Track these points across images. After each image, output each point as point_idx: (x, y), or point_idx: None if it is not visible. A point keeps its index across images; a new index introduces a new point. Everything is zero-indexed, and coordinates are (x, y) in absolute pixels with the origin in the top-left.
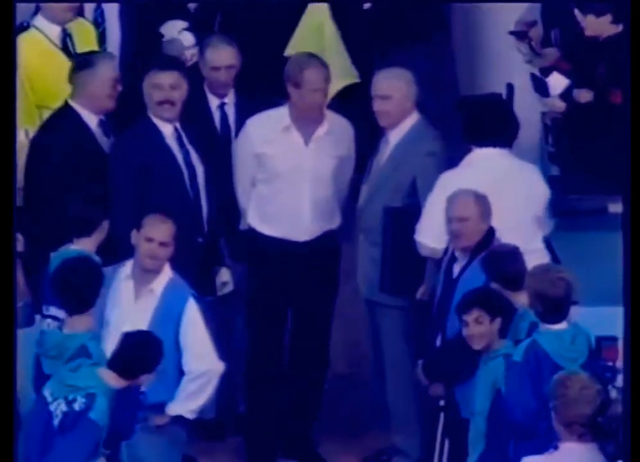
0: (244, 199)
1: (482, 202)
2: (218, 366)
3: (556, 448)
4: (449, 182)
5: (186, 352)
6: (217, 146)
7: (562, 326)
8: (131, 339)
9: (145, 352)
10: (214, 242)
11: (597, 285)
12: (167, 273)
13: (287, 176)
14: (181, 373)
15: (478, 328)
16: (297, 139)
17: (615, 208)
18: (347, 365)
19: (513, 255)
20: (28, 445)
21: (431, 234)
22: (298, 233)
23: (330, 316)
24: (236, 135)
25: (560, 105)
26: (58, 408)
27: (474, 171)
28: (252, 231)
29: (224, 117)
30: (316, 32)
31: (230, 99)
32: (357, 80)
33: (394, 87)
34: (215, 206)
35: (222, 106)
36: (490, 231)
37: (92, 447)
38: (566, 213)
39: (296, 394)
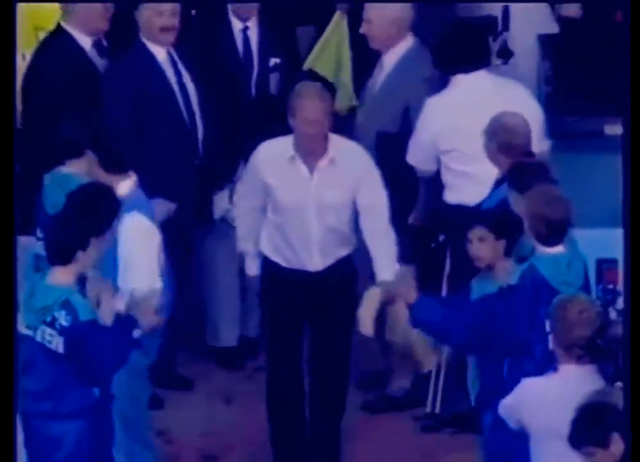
0: (248, 225)
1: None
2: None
3: (555, 370)
4: (436, 107)
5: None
6: (234, 69)
7: (559, 249)
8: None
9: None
10: (210, 165)
11: (596, 208)
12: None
13: (293, 208)
14: None
15: (482, 246)
16: (302, 170)
17: (612, 130)
18: None
19: (539, 168)
20: (39, 386)
21: (418, 158)
22: (308, 264)
23: (349, 337)
24: (259, 60)
25: (556, 26)
26: (45, 334)
27: (460, 93)
28: (265, 259)
29: (246, 41)
30: (336, 49)
31: (253, 23)
32: (356, 104)
33: (377, 11)
34: (212, 129)
35: (245, 30)
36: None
37: (111, 341)
38: (563, 135)
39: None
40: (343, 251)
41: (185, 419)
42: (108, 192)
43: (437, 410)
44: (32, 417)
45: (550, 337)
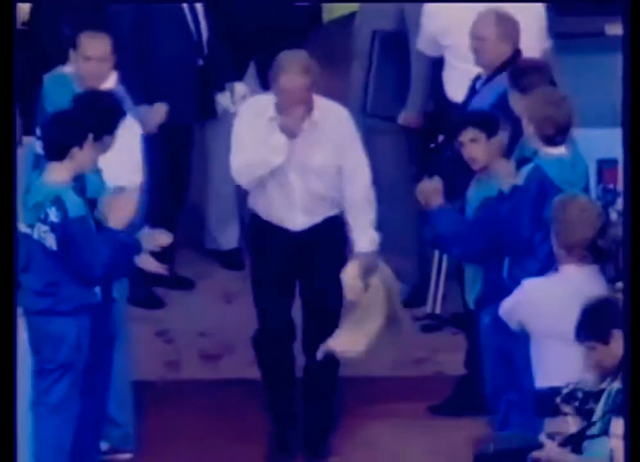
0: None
1: (504, 23)
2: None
3: (556, 270)
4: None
5: None
6: None
7: (562, 150)
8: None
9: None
10: (214, 65)
11: (596, 108)
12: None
13: (275, 170)
14: None
15: (475, 147)
16: (280, 133)
17: (613, 30)
18: None
19: (541, 68)
20: (39, 283)
21: (424, 45)
22: (291, 223)
23: (339, 297)
24: None
25: None
26: (40, 231)
27: None
28: (253, 215)
29: None
30: None
31: None
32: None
33: None
34: (216, 29)
35: None
36: (516, 54)
37: (99, 239)
38: (563, 35)
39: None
40: (328, 211)
41: (185, 319)
42: (116, 101)
43: (437, 310)
44: (34, 314)
45: (552, 238)
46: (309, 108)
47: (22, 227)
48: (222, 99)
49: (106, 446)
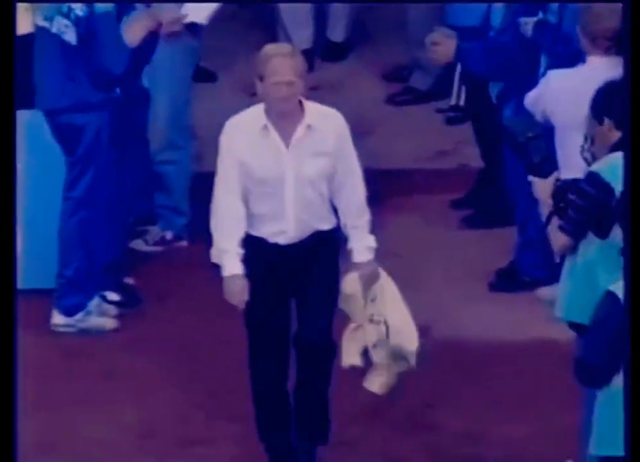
0: (232, 220)
1: None
2: None
3: (584, 62)
4: None
5: None
6: None
7: None
8: None
9: None
10: None
11: None
12: None
13: (270, 180)
14: None
15: None
16: (276, 140)
17: None
18: None
19: None
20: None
21: None
22: (281, 236)
23: (332, 313)
24: None
25: None
26: (60, 25)
27: None
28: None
29: None
30: None
31: None
32: None
33: None
34: None
35: None
36: None
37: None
38: None
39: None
40: (319, 225)
41: (209, 111)
42: None
43: (461, 102)
44: (52, 112)
45: (578, 29)
46: (302, 110)
47: (39, 21)
48: None
49: (170, 235)
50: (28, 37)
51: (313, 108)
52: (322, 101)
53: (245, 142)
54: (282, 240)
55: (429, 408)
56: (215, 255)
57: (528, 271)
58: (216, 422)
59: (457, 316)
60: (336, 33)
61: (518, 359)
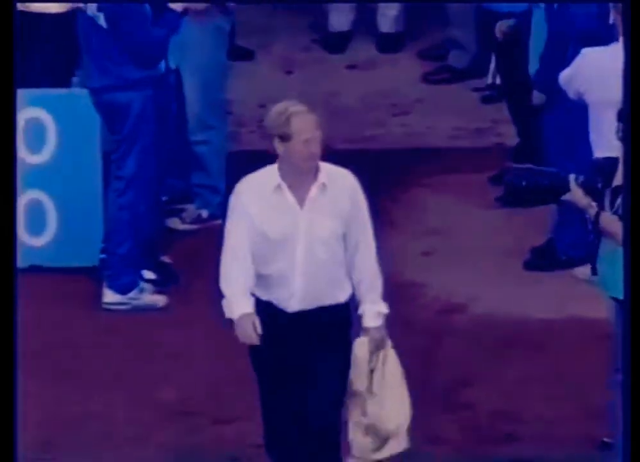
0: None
1: None
2: None
3: (617, 40)
4: None
5: None
6: None
7: None
8: None
9: None
10: None
11: None
12: None
13: (282, 241)
14: None
15: None
16: (289, 200)
17: None
18: None
19: None
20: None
21: None
22: (288, 302)
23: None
24: None
25: None
26: (93, 9)
27: None
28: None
29: None
30: None
31: None
32: None
33: None
34: None
35: None
36: None
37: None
38: None
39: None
40: (334, 295)
41: (246, 89)
42: None
43: (498, 81)
44: (97, 91)
45: (611, 10)
46: (316, 171)
47: (78, 3)
48: None
49: (205, 213)
50: (63, 16)
51: (326, 167)
52: (359, 80)
53: (257, 203)
54: (292, 306)
55: (466, 386)
56: (226, 304)
57: (565, 249)
58: (253, 398)
59: (493, 294)
60: (388, 24)
61: (554, 338)
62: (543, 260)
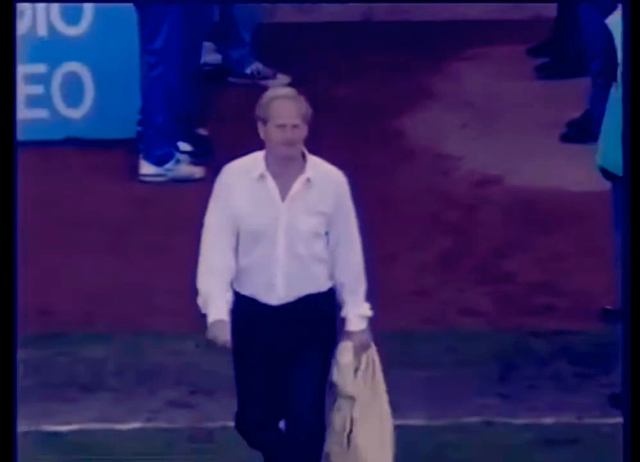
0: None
1: None
2: None
3: None
4: None
5: None
6: None
7: None
8: None
9: None
10: None
11: None
12: None
13: (261, 232)
14: None
15: None
16: (272, 192)
17: None
18: None
19: None
20: None
21: None
22: (269, 296)
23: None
24: None
25: None
26: None
27: None
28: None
29: None
30: None
31: None
32: None
33: None
34: None
35: None
36: None
37: None
38: None
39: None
40: (311, 288)
41: None
42: None
43: None
44: None
45: None
46: (303, 163)
47: None
48: None
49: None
50: None
51: (315, 163)
52: None
53: (240, 190)
54: (273, 299)
55: (501, 258)
56: (201, 302)
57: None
58: None
59: (530, 167)
60: None
61: (590, 210)
62: (580, 132)
